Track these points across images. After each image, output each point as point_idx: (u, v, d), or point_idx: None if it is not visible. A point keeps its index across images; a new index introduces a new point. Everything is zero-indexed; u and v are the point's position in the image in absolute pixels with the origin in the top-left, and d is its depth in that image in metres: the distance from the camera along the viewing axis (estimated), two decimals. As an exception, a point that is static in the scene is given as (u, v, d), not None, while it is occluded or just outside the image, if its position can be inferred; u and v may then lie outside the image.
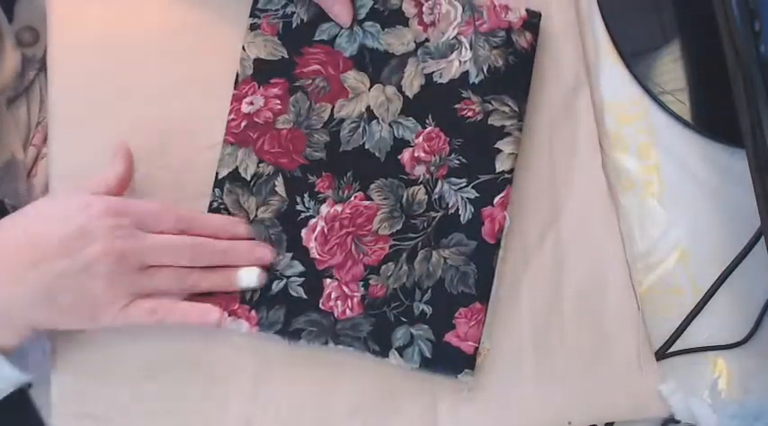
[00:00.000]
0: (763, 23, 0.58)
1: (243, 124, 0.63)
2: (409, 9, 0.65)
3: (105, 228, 0.55)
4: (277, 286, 0.61)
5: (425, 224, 0.63)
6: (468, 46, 0.65)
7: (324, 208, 0.62)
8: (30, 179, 0.65)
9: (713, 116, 0.69)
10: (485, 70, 0.64)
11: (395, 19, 0.65)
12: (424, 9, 0.65)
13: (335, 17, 0.64)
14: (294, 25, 0.64)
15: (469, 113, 0.64)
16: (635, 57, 0.70)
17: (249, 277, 0.60)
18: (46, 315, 0.55)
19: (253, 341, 0.61)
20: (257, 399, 0.61)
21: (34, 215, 0.56)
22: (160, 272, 0.57)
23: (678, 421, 0.63)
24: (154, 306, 0.57)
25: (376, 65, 0.64)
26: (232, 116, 0.63)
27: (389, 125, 0.64)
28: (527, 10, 0.66)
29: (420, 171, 0.63)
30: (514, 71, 0.65)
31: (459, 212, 0.63)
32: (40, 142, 0.65)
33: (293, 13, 0.64)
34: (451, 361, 0.61)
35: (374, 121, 0.64)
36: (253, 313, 0.60)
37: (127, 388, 0.60)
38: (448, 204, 0.63)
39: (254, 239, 0.62)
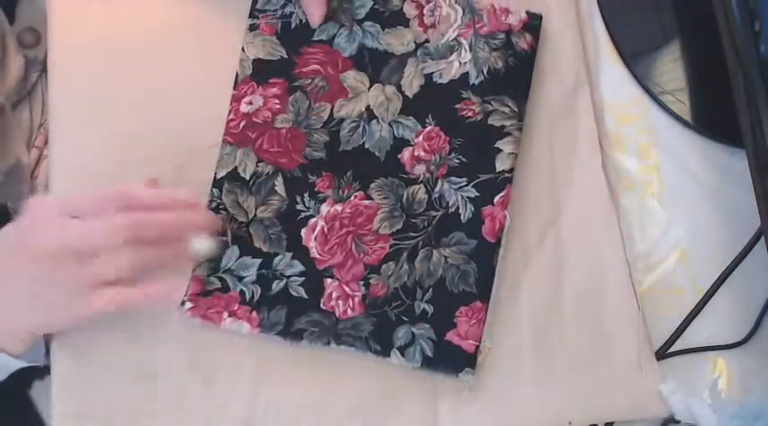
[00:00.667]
0: (763, 23, 0.58)
1: (242, 124, 0.63)
2: (410, 10, 0.65)
3: (26, 233, 0.55)
4: (277, 286, 0.61)
5: (426, 223, 0.63)
6: (467, 48, 0.65)
7: (324, 208, 0.62)
8: (32, 181, 0.65)
9: (713, 116, 0.69)
10: (485, 72, 0.65)
11: (395, 19, 0.65)
12: (424, 11, 0.65)
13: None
14: (293, 25, 0.65)
15: (469, 113, 0.64)
16: (635, 57, 0.70)
17: (201, 245, 0.58)
18: (38, 320, 0.57)
19: (253, 341, 0.61)
20: (258, 399, 0.61)
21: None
22: (102, 257, 0.55)
23: (678, 421, 0.63)
24: (112, 293, 0.56)
25: (375, 64, 0.64)
26: (231, 116, 0.63)
27: (389, 124, 0.64)
28: (527, 12, 0.66)
29: (420, 170, 0.63)
30: (514, 72, 0.65)
31: (460, 211, 0.63)
32: (41, 144, 0.65)
33: (292, 13, 0.65)
34: (452, 360, 0.61)
35: (374, 121, 0.64)
36: (254, 314, 0.60)
37: (127, 389, 0.60)
38: (448, 203, 0.63)
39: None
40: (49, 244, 0.54)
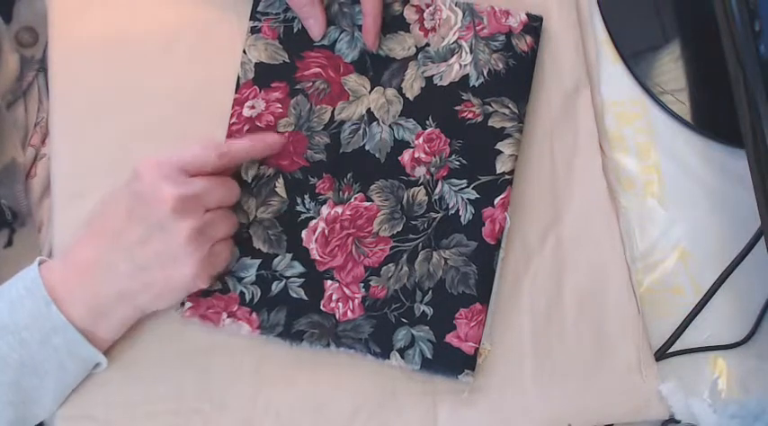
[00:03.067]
0: (763, 23, 0.58)
1: (245, 128, 0.63)
2: (410, 15, 0.65)
3: (156, 183, 0.55)
4: (277, 287, 0.61)
5: (426, 225, 0.63)
6: (468, 50, 0.65)
7: (324, 210, 0.62)
8: (28, 179, 0.65)
9: (713, 116, 0.69)
10: (485, 73, 0.65)
11: (396, 25, 0.65)
12: (425, 15, 0.65)
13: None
14: (295, 30, 0.65)
15: (470, 115, 0.64)
16: (635, 57, 0.70)
17: None
18: (145, 288, 0.57)
19: (253, 342, 0.61)
20: (257, 400, 0.61)
21: (101, 211, 0.58)
22: (219, 214, 0.59)
23: (678, 421, 0.63)
24: (226, 245, 0.60)
25: (377, 68, 0.64)
26: (234, 120, 0.63)
27: (390, 126, 0.64)
28: (528, 14, 0.66)
29: (420, 172, 0.63)
30: (515, 74, 0.65)
31: (460, 213, 0.63)
32: (38, 142, 0.65)
33: (294, 17, 0.65)
34: (452, 362, 0.61)
35: (374, 123, 0.64)
36: (254, 315, 0.60)
37: (127, 390, 0.60)
38: (448, 205, 0.63)
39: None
40: (167, 195, 0.55)
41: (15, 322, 0.55)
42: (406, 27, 0.65)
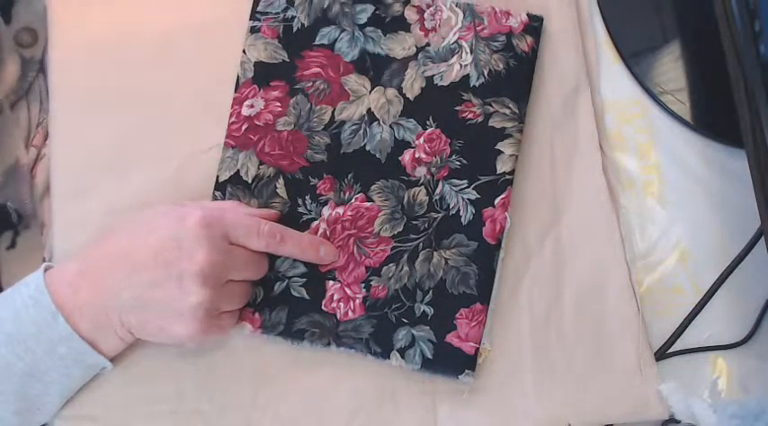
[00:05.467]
0: (763, 23, 0.58)
1: (243, 127, 0.63)
2: (411, 15, 0.65)
3: (199, 241, 0.54)
4: (279, 287, 0.61)
5: (426, 225, 0.63)
6: (468, 50, 0.65)
7: (325, 211, 0.62)
8: (31, 180, 0.65)
9: (713, 116, 0.69)
10: (485, 74, 0.65)
11: (397, 25, 0.65)
12: (425, 15, 0.65)
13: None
14: (295, 29, 0.64)
15: (470, 115, 0.64)
16: (635, 57, 0.70)
17: None
18: (138, 325, 0.56)
19: (253, 341, 0.61)
20: (257, 400, 0.61)
21: (135, 228, 0.57)
22: (239, 288, 0.59)
23: (678, 421, 0.63)
24: (233, 315, 0.59)
25: (377, 68, 0.64)
26: (233, 119, 0.63)
27: (390, 126, 0.64)
28: (528, 14, 0.66)
29: (421, 172, 0.63)
30: (515, 74, 0.65)
31: (460, 213, 0.63)
32: (39, 142, 0.65)
33: (294, 17, 0.65)
34: (452, 362, 0.61)
35: (375, 123, 0.64)
36: (256, 315, 0.60)
37: (127, 390, 0.60)
38: (449, 205, 0.63)
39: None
40: (202, 258, 0.54)
41: (20, 331, 0.54)
42: (406, 27, 0.65)
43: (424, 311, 0.61)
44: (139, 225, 0.57)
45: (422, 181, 0.63)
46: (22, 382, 0.55)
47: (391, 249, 0.62)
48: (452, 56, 0.65)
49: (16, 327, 0.54)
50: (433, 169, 0.63)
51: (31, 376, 0.55)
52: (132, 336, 0.57)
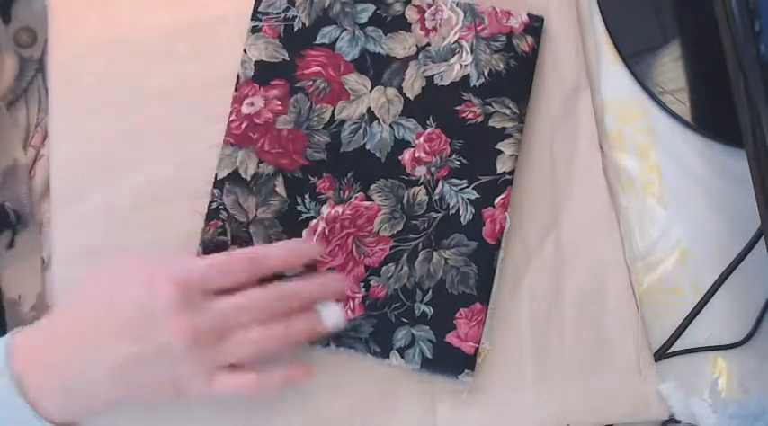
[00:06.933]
0: (763, 23, 0.58)
1: (243, 125, 0.63)
2: (412, 15, 0.65)
3: (171, 306, 0.51)
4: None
5: (426, 224, 0.63)
6: (469, 50, 0.65)
7: (325, 209, 0.62)
8: (29, 180, 0.65)
9: (713, 116, 0.69)
10: (486, 74, 0.65)
11: (397, 24, 0.65)
12: (426, 15, 0.65)
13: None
14: (296, 29, 0.64)
15: (470, 115, 0.64)
16: (635, 57, 0.70)
17: (333, 315, 0.57)
18: (125, 394, 0.53)
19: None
20: (257, 400, 0.61)
21: (94, 295, 0.54)
22: (242, 337, 0.53)
23: (678, 422, 0.63)
24: (233, 380, 0.54)
25: (377, 68, 0.64)
26: (233, 117, 0.63)
27: (390, 126, 0.64)
28: (529, 14, 0.66)
29: (421, 171, 0.63)
30: (515, 74, 0.65)
31: (460, 213, 0.63)
32: (38, 143, 0.65)
33: (295, 17, 0.65)
34: (452, 362, 0.61)
35: (375, 122, 0.64)
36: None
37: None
38: (449, 205, 0.63)
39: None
40: (178, 325, 0.51)
41: None
42: (407, 26, 0.65)
43: (423, 311, 0.61)
44: (101, 292, 0.53)
45: (421, 180, 0.63)
46: None
47: (390, 248, 0.62)
48: (453, 55, 0.65)
49: None
50: (432, 168, 0.63)
51: None
52: (111, 407, 0.55)
